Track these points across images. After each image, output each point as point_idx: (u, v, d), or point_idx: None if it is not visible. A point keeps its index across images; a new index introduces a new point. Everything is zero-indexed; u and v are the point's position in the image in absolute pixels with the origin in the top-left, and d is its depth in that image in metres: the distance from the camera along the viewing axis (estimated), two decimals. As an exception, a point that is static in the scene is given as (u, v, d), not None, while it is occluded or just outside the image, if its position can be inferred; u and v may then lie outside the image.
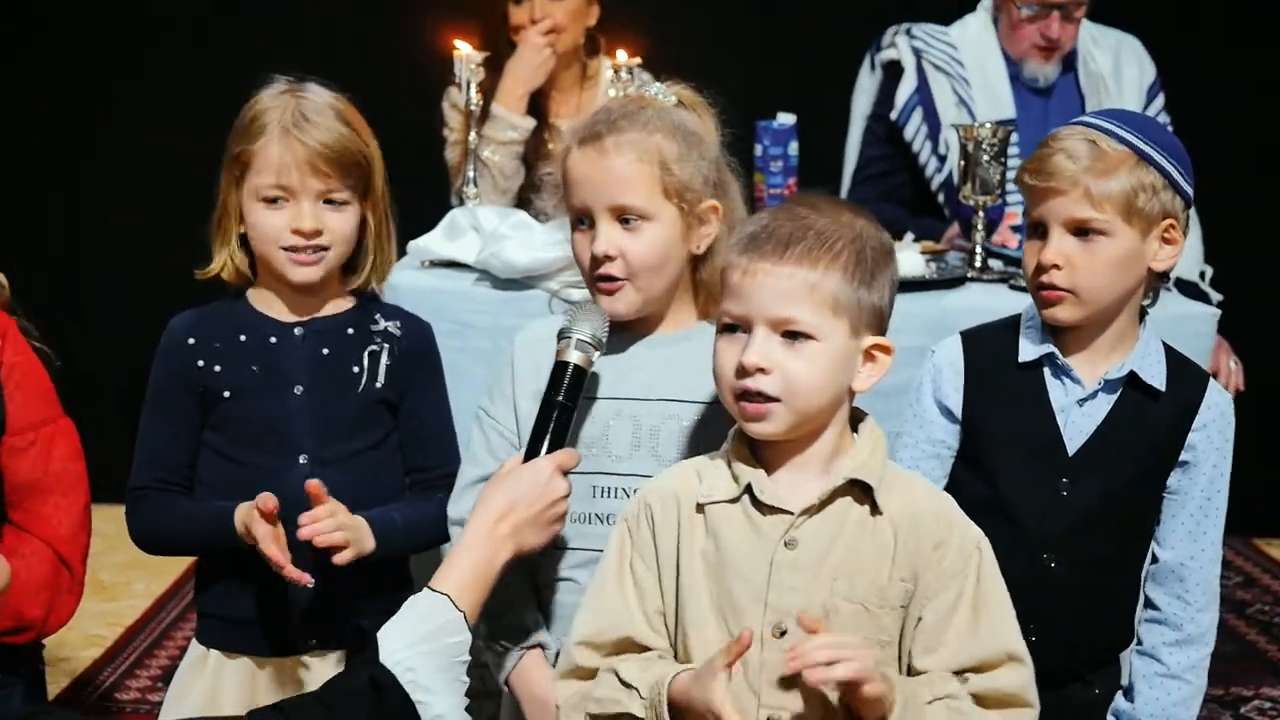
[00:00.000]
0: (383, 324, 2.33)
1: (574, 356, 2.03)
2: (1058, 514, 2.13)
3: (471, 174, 2.90)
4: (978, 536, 1.85)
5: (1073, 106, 3.58)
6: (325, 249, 2.24)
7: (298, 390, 2.27)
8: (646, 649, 1.86)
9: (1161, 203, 2.06)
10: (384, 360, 2.30)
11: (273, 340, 2.28)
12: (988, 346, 2.19)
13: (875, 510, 1.82)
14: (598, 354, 2.06)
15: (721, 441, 2.03)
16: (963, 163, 2.95)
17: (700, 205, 2.08)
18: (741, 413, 1.82)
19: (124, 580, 4.15)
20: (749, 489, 1.83)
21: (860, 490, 1.83)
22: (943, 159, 3.58)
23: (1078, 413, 2.14)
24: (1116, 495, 2.15)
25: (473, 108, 2.88)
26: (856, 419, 1.89)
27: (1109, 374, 2.13)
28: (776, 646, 1.79)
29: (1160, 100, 3.69)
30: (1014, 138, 3.04)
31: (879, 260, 1.82)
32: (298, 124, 2.21)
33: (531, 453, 2.00)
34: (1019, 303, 2.25)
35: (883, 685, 1.72)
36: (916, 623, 1.82)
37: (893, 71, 3.68)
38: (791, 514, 1.81)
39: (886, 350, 1.84)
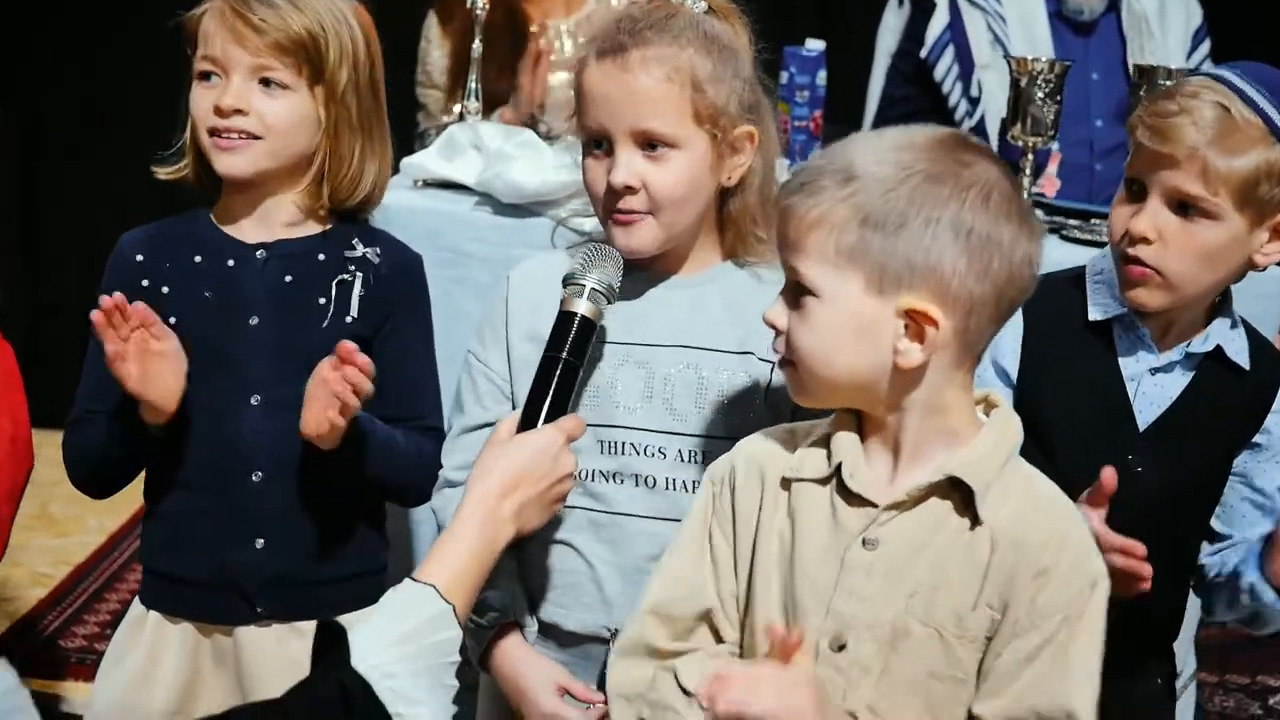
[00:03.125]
0: (360, 250, 2.12)
1: (582, 307, 1.83)
2: (1125, 495, 1.92)
3: (474, 85, 2.67)
4: (1096, 573, 1.57)
5: (1113, 48, 3.44)
6: (256, 137, 2.04)
7: (254, 321, 2.07)
8: (720, 637, 1.66)
9: None
10: (356, 290, 2.10)
11: (230, 263, 2.09)
12: (1050, 300, 1.97)
13: (976, 521, 1.56)
14: (609, 305, 1.87)
15: (748, 395, 1.88)
16: (1013, 98, 2.75)
17: (734, 131, 1.88)
18: None
19: (76, 514, 4.01)
20: (839, 469, 1.59)
21: (963, 493, 1.57)
22: (975, 101, 3.42)
23: (1149, 383, 1.99)
24: (1187, 478, 1.99)
25: (478, 10, 2.65)
26: (991, 405, 1.64)
27: (1192, 346, 1.97)
28: (832, 662, 1.58)
29: (1206, 47, 3.54)
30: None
31: None
32: None
33: (529, 416, 1.80)
34: (1069, 255, 2.06)
35: None
36: (995, 658, 1.57)
37: (922, 6, 3.52)
38: (876, 507, 1.58)
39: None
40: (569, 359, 1.81)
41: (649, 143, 1.85)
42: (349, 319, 2.08)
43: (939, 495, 1.57)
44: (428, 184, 2.61)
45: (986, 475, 1.56)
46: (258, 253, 2.09)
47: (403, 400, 2.12)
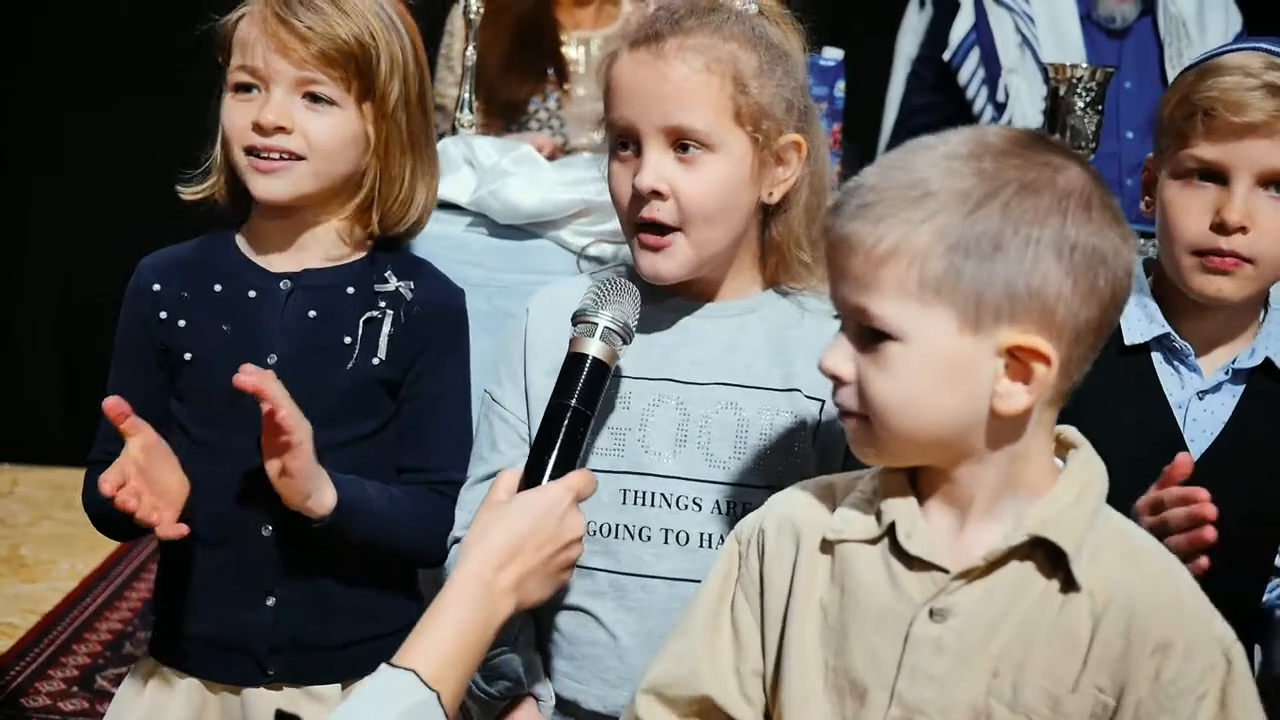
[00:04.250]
0: (392, 283, 1.94)
1: (594, 349, 1.63)
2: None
3: (468, 96, 2.47)
4: (1227, 640, 1.36)
5: (1149, 53, 3.27)
6: (299, 158, 1.86)
7: (271, 360, 1.88)
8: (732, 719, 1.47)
9: None
10: (385, 329, 1.92)
11: (251, 294, 1.91)
12: None
13: (1070, 585, 1.36)
14: (625, 348, 1.67)
15: (795, 438, 1.69)
16: (1050, 108, 2.56)
17: (779, 139, 1.70)
18: None
19: (47, 557, 3.79)
20: (893, 529, 1.39)
21: (1048, 554, 1.36)
22: (1001, 107, 3.23)
23: (1198, 408, 1.85)
24: (1252, 508, 1.81)
25: (472, 16, 2.46)
26: (1066, 447, 1.43)
27: (1238, 361, 1.84)
28: None
29: (1245, 53, 3.34)
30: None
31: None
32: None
33: (532, 472, 1.59)
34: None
35: None
36: None
37: (946, 7, 3.35)
38: (946, 572, 1.37)
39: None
40: (578, 407, 1.60)
41: (681, 142, 1.66)
42: (375, 361, 1.91)
43: (1019, 557, 1.35)
44: (417, 203, 2.41)
45: (1077, 531, 1.35)
46: (281, 283, 1.91)
47: (421, 451, 1.95)
